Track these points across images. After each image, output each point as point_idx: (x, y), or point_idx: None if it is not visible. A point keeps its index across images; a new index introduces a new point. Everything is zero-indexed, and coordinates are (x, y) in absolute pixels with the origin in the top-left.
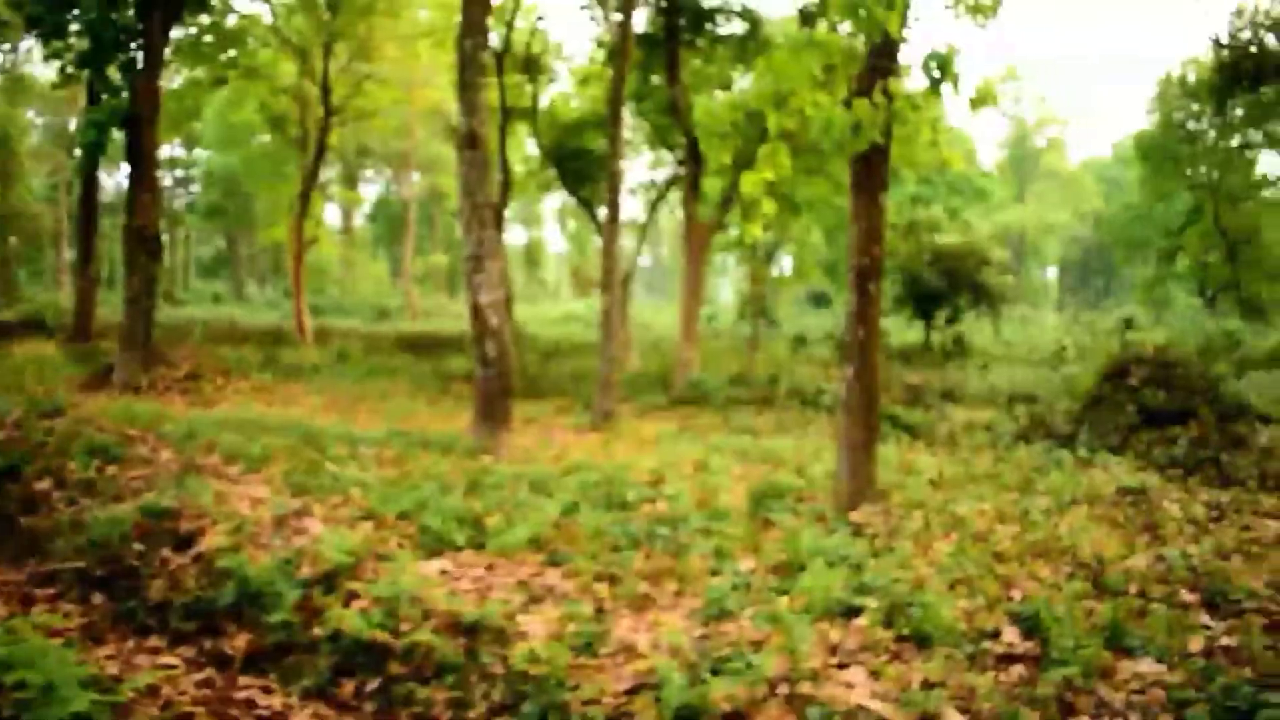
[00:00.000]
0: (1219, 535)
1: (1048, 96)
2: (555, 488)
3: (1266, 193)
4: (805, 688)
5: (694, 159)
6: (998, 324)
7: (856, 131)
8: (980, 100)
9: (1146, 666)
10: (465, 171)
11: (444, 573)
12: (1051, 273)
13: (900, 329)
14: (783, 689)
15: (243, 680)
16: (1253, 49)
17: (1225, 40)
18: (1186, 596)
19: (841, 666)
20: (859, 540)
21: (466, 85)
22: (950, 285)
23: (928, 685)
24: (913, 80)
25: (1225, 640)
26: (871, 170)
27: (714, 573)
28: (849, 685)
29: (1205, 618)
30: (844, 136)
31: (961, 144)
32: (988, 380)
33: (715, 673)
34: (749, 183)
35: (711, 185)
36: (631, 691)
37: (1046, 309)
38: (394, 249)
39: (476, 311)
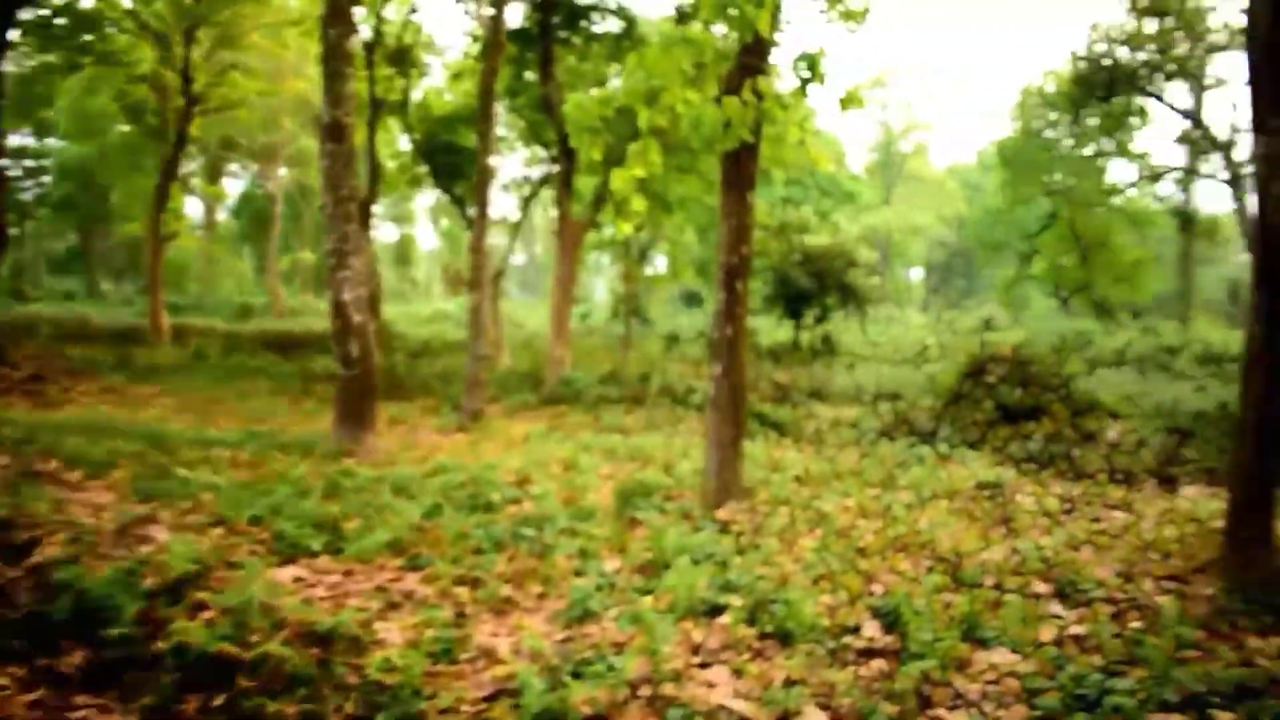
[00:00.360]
0: (1070, 527)
1: (913, 103)
2: (418, 490)
3: (1116, 200)
4: (667, 689)
5: (566, 156)
6: (865, 324)
7: (726, 129)
8: (849, 102)
9: (1001, 657)
10: (329, 164)
11: (298, 580)
12: (916, 274)
13: (770, 328)
14: (644, 691)
15: (79, 700)
16: (1106, 62)
17: (1082, 54)
18: (1039, 587)
19: (704, 666)
20: (725, 538)
21: (332, 75)
22: (819, 285)
23: (789, 683)
24: (783, 81)
25: (1075, 629)
26: (741, 168)
27: (578, 573)
28: (711, 685)
29: (1057, 607)
30: (714, 133)
31: (830, 146)
32: (854, 378)
33: (576, 676)
34: (619, 179)
35: (584, 183)
36: (491, 698)
37: (911, 309)
38: (259, 245)
39: (339, 309)
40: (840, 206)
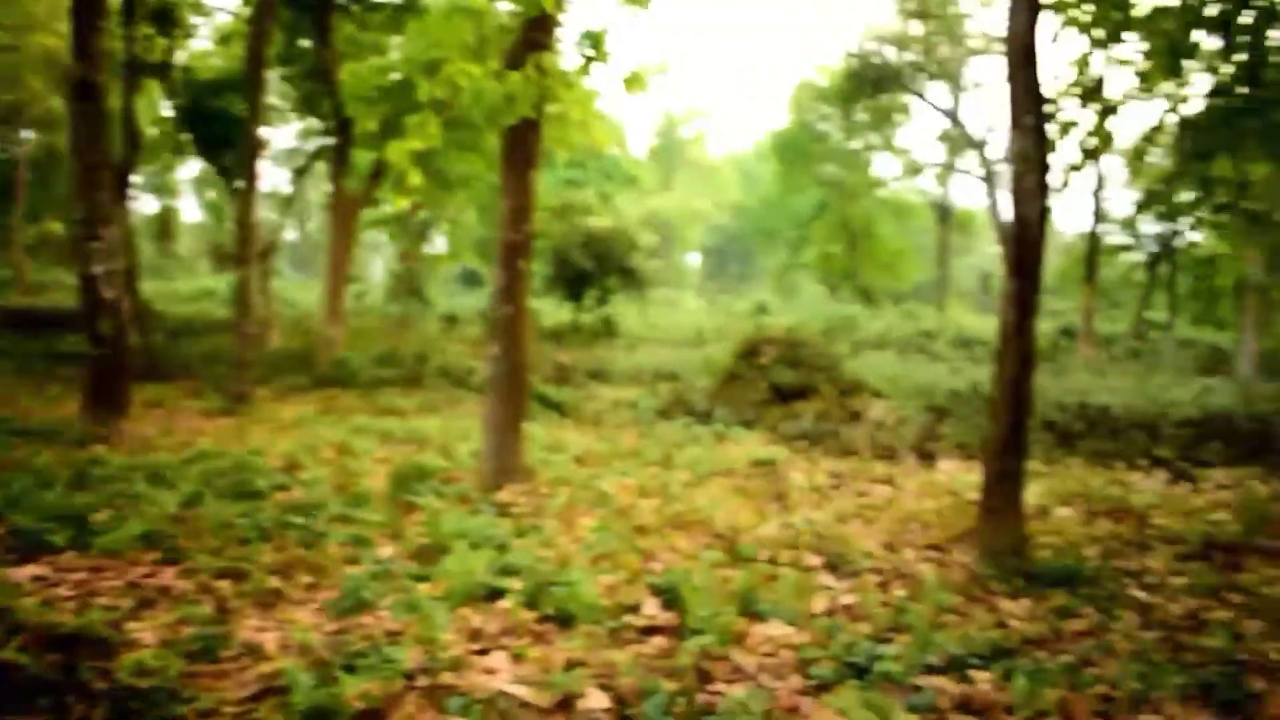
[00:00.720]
0: (839, 502)
1: (694, 90)
2: (176, 478)
3: (881, 192)
4: (445, 677)
5: (342, 128)
6: (645, 306)
7: (508, 104)
8: (632, 83)
9: (777, 629)
10: (78, 126)
11: (38, 579)
12: (694, 258)
13: (552, 310)
14: (422, 681)
15: None
16: (875, 61)
17: (854, 51)
18: (812, 560)
19: (483, 652)
20: (504, 520)
21: (82, 28)
22: (600, 267)
23: (571, 665)
24: (567, 59)
25: (846, 599)
26: (523, 146)
27: (351, 562)
28: (490, 671)
29: (828, 579)
30: (495, 108)
31: (613, 129)
32: (634, 360)
33: (349, 669)
34: (396, 152)
35: (361, 157)
36: (256, 697)
37: (689, 292)
38: (1, 216)
39: (88, 283)
40: (622, 190)
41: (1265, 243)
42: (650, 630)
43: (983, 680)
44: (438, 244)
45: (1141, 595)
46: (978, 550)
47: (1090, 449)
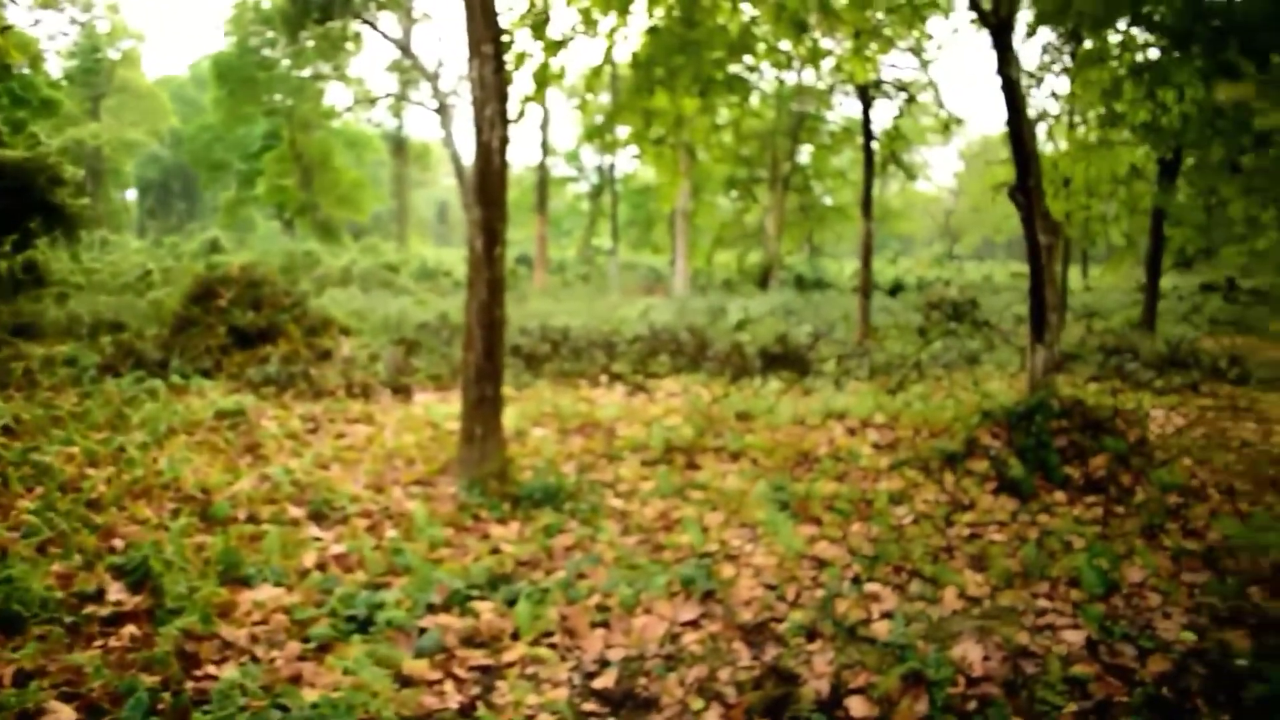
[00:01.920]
0: (317, 446)
1: (120, 7)
2: None
3: (335, 123)
4: None
5: None
6: (77, 250)
7: None
8: None
9: (266, 593)
10: None
11: None
12: (132, 195)
13: None
14: None
15: None
16: None
17: None
18: (295, 512)
19: None
20: None
21: None
22: (18, 207)
23: (23, 677)
24: None
25: (336, 549)
26: None
27: None
28: None
29: (315, 530)
30: None
31: (24, 43)
32: (67, 311)
33: None
34: None
35: None
36: None
37: (129, 233)
38: None
39: None
40: (39, 117)
41: (694, 173)
42: (118, 619)
43: (486, 610)
44: None
45: (619, 504)
46: (464, 480)
47: (555, 370)
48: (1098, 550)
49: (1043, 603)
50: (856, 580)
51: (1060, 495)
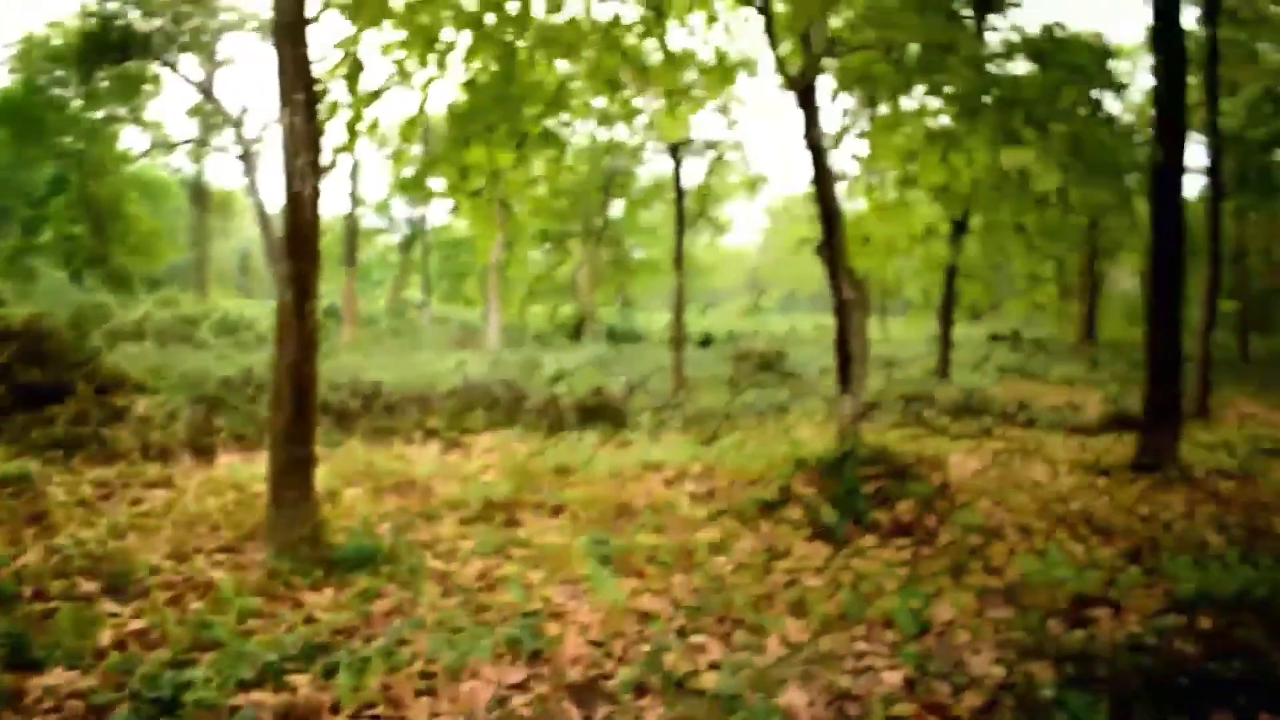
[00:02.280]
0: (112, 514)
1: None
2: None
3: (130, 168)
4: None
5: None
6: None
7: None
8: None
9: (58, 677)
10: None
11: None
12: None
13: None
14: None
15: None
16: (119, 23)
17: (93, 9)
18: (88, 586)
19: None
20: None
21: None
22: None
23: None
24: None
25: (136, 624)
26: None
27: None
28: None
29: (112, 605)
30: None
31: None
32: None
33: None
34: None
35: None
36: None
37: None
38: None
39: None
40: None
41: (508, 226)
42: None
43: (303, 684)
44: None
45: (439, 564)
46: (273, 545)
47: (368, 426)
48: (909, 591)
49: (861, 645)
50: (682, 632)
51: (871, 539)
